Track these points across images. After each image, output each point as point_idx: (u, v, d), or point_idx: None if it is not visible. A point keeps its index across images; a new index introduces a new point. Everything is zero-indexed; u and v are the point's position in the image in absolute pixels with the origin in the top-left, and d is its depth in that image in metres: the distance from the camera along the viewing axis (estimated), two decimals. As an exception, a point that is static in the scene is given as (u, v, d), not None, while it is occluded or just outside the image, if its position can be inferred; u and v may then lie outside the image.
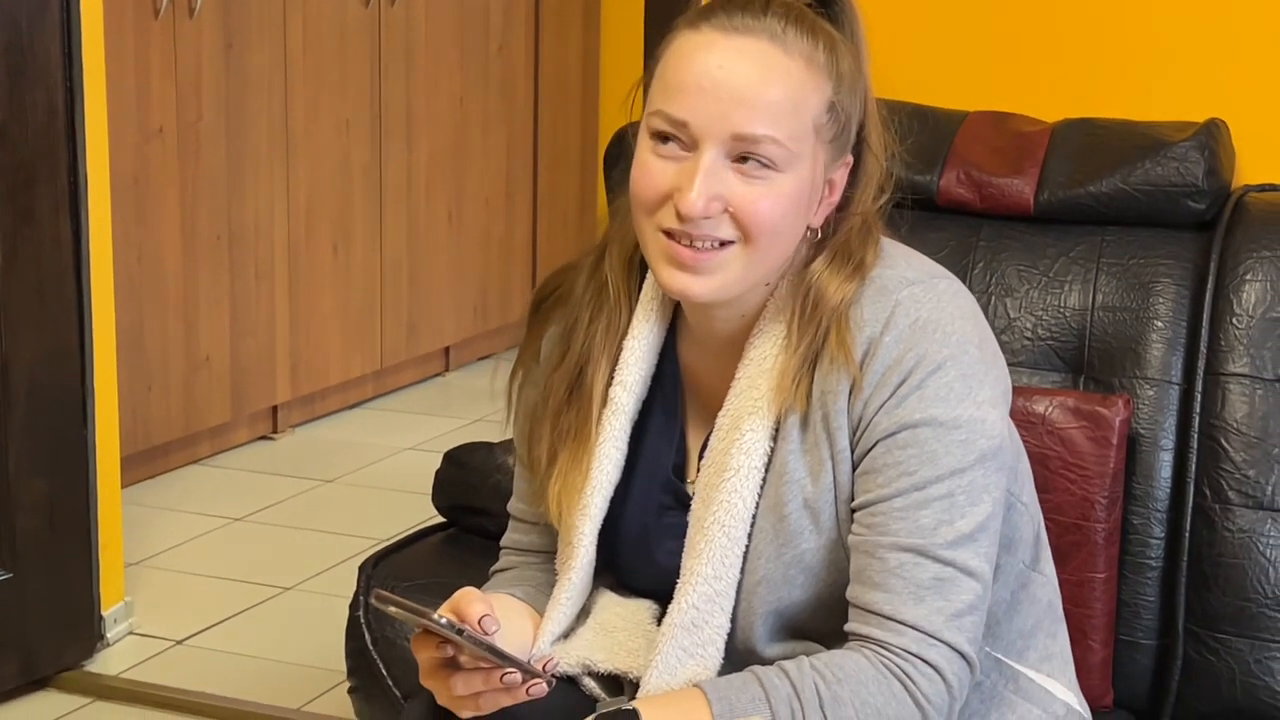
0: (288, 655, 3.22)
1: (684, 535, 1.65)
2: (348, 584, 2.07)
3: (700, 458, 1.68)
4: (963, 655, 1.55)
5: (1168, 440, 2.08)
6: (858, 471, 1.59)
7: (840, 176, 1.63)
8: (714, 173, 1.54)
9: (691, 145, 1.55)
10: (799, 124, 1.56)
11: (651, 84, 1.61)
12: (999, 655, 1.69)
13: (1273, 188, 2.22)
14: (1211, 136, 2.16)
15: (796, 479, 1.60)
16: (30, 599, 3.00)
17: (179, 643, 3.25)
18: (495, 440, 2.15)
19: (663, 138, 1.57)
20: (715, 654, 1.61)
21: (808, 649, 1.62)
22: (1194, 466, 2.07)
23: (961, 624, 1.55)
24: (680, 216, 1.55)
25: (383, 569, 2.10)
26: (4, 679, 2.98)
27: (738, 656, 1.63)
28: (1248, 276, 2.09)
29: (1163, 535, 2.08)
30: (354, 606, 2.05)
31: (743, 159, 1.55)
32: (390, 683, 1.99)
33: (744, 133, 1.54)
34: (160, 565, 3.60)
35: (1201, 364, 2.09)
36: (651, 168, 1.58)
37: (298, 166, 4.42)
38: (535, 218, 5.39)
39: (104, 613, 3.18)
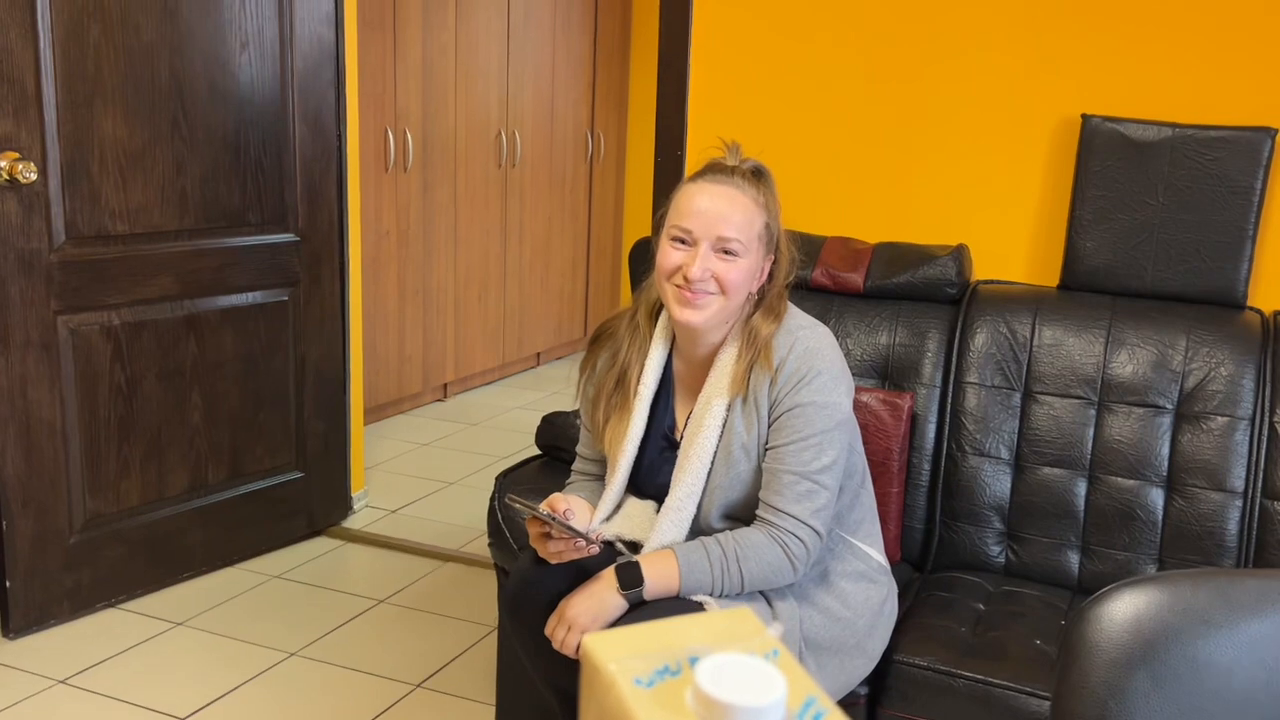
0: (454, 519, 3.20)
1: (673, 465, 1.66)
2: (488, 483, 2.00)
3: (685, 423, 1.68)
4: (817, 533, 1.58)
5: (933, 418, 2.09)
6: (771, 429, 1.60)
7: (767, 265, 1.64)
8: (706, 256, 1.57)
9: (693, 243, 1.58)
10: (750, 233, 1.59)
11: (668, 211, 1.62)
12: (843, 534, 1.70)
13: (992, 282, 2.21)
14: (960, 253, 2.15)
15: (739, 432, 1.62)
16: (313, 487, 3.03)
17: (393, 512, 3.26)
18: (569, 409, 2.10)
19: (678, 240, 1.59)
20: (684, 526, 1.63)
21: (734, 526, 1.63)
22: (947, 432, 2.09)
23: (818, 516, 1.58)
24: (687, 280, 1.57)
25: (509, 478, 2.07)
26: (298, 529, 3.00)
27: (698, 530, 1.65)
28: (977, 330, 2.09)
29: (929, 469, 2.09)
30: (492, 497, 2.03)
31: (722, 250, 1.58)
32: (510, 538, 1.97)
33: (723, 235, 1.57)
34: (384, 469, 3.62)
35: (952, 376, 2.09)
36: (670, 255, 1.60)
37: (459, 254, 4.37)
38: (587, 285, 5.39)
39: (353, 494, 3.19)
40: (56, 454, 2.46)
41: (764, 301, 1.65)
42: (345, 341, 3.07)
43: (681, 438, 1.67)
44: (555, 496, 1.68)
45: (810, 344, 1.61)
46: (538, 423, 2.22)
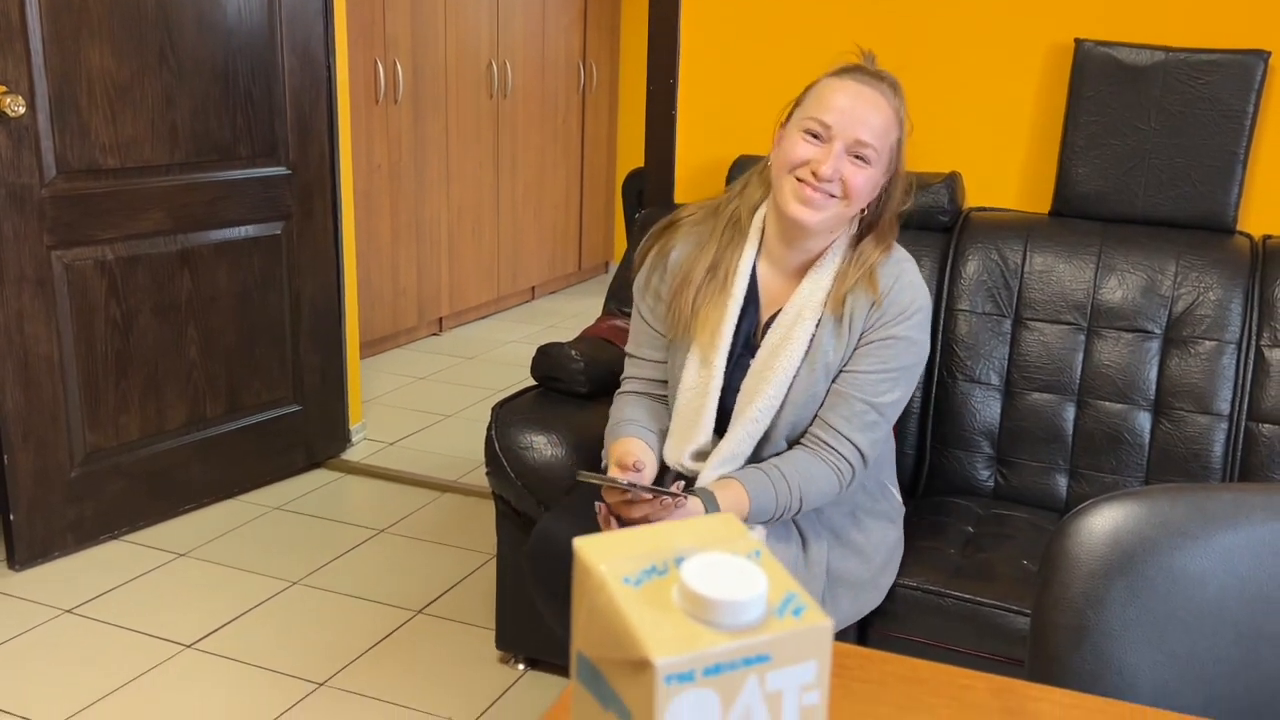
0: (451, 451, 3.22)
1: (745, 373, 1.60)
2: (485, 415, 1.99)
3: (763, 330, 1.62)
4: (866, 464, 1.59)
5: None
6: (856, 354, 1.58)
7: (886, 183, 1.58)
8: (840, 157, 1.51)
9: (828, 140, 1.51)
10: (885, 143, 1.53)
11: (804, 101, 1.55)
12: (877, 474, 1.71)
13: (984, 209, 2.21)
14: (953, 180, 2.16)
15: (825, 350, 1.58)
16: (311, 420, 3.05)
17: (391, 444, 3.28)
18: (563, 340, 2.10)
19: (812, 134, 1.51)
20: (755, 439, 1.59)
21: (786, 449, 1.62)
22: (938, 359, 2.10)
23: (874, 447, 1.59)
24: (816, 175, 1.50)
25: (505, 408, 2.02)
26: (297, 462, 3.03)
27: (760, 448, 1.62)
28: (969, 257, 2.10)
29: (920, 396, 2.10)
30: (489, 428, 2.00)
31: (855, 155, 1.51)
32: (506, 466, 1.94)
33: (860, 138, 1.50)
34: (381, 402, 3.64)
35: (945, 304, 2.10)
36: (801, 147, 1.52)
37: (452, 187, 4.36)
38: (581, 218, 5.37)
39: (350, 427, 3.21)
40: (55, 389, 2.48)
41: (877, 226, 1.61)
42: (339, 275, 3.07)
43: (761, 343, 1.62)
44: (619, 453, 1.62)
45: (914, 279, 1.60)
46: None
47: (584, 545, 0.49)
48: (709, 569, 0.47)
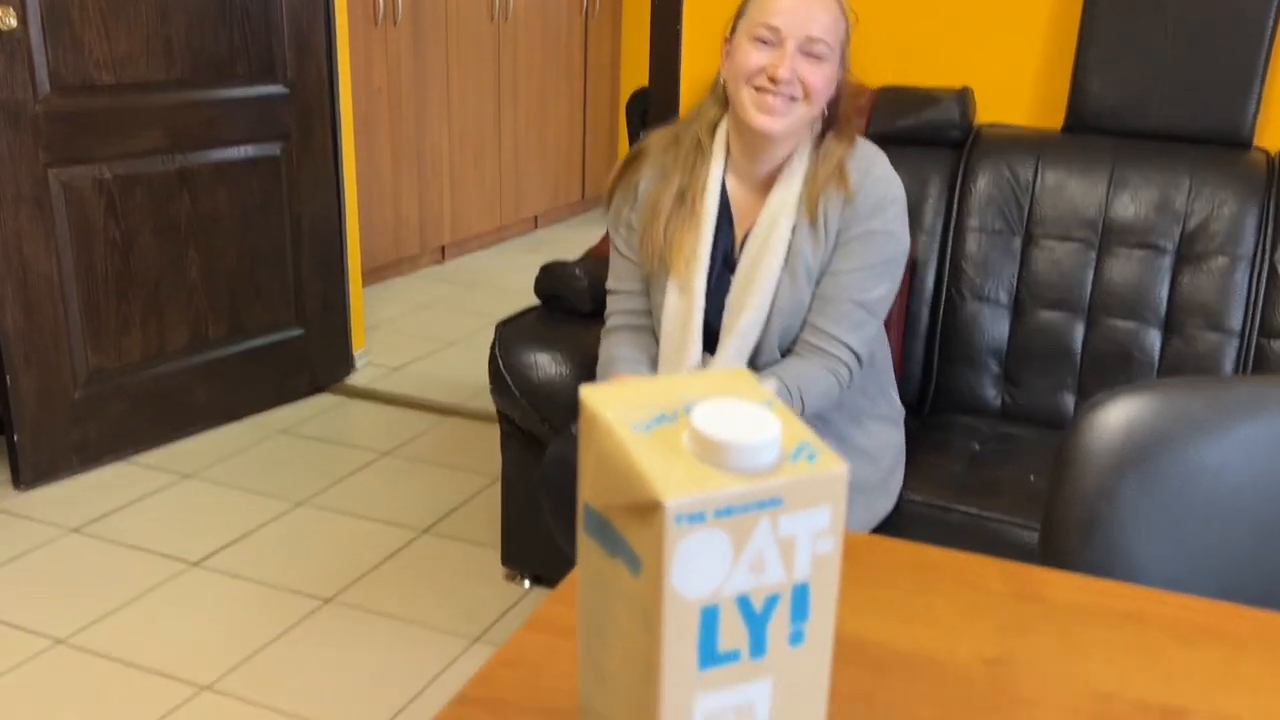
0: (455, 377, 3.22)
1: (728, 289, 1.59)
2: (488, 341, 2.01)
3: (741, 246, 1.60)
4: (860, 362, 1.58)
5: (933, 264, 2.08)
6: (836, 254, 1.56)
7: (840, 80, 1.56)
8: (794, 56, 1.48)
9: (779, 43, 1.48)
10: (836, 37, 1.51)
11: (748, 9, 1.52)
12: (875, 376, 1.69)
13: (995, 125, 2.17)
14: (964, 96, 2.12)
15: (804, 254, 1.56)
16: (314, 344, 3.04)
17: (395, 369, 3.27)
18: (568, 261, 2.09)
19: (761, 40, 1.49)
20: (747, 353, 1.58)
21: (780, 359, 1.61)
22: (946, 278, 2.08)
23: (866, 345, 1.58)
24: (773, 81, 1.48)
25: (509, 327, 2.02)
26: (301, 386, 3.02)
27: (753, 361, 1.61)
28: (979, 174, 2.06)
29: (928, 315, 2.08)
30: (493, 346, 2.00)
31: (808, 53, 1.49)
32: (511, 384, 1.94)
33: (812, 35, 1.48)
34: (384, 329, 3.61)
35: (954, 222, 2.07)
36: (752, 55, 1.49)
37: (454, 112, 4.31)
38: (584, 147, 5.32)
39: (354, 352, 3.21)
40: (56, 309, 2.46)
41: (837, 122, 1.57)
42: (340, 199, 3.04)
43: (740, 259, 1.59)
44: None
45: (885, 172, 1.57)
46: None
47: (591, 393, 0.47)
48: (721, 415, 0.45)
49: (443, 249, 4.53)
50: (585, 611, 0.49)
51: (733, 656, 0.45)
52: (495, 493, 2.55)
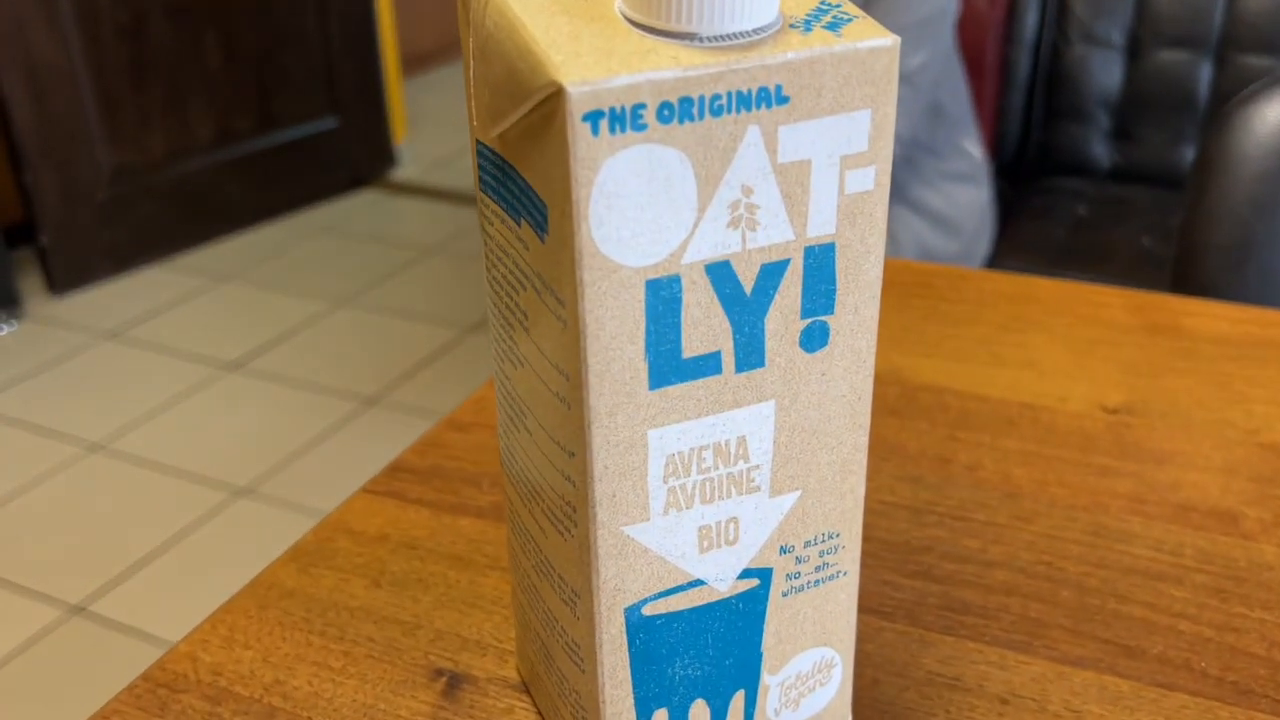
0: None
1: None
2: None
3: None
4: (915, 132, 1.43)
5: (1036, 2, 1.83)
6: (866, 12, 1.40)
7: None
8: None
9: None
10: None
11: None
12: (942, 129, 1.51)
13: None
14: None
15: None
16: (351, 136, 2.87)
17: (439, 163, 3.06)
18: None
19: None
20: None
21: None
22: (1050, 17, 1.84)
23: (908, 124, 1.42)
24: None
25: None
26: (341, 182, 2.87)
27: None
28: None
29: (1029, 63, 1.87)
30: None
31: None
32: None
33: None
34: (429, 120, 3.40)
35: None
36: None
37: None
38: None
39: (395, 145, 3.04)
40: (68, 99, 2.32)
41: None
42: (370, -24, 2.81)
43: None
44: None
45: None
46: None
47: (469, -53, 0.29)
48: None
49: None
50: (496, 300, 0.32)
51: (707, 366, 0.28)
52: (547, 286, 2.41)
